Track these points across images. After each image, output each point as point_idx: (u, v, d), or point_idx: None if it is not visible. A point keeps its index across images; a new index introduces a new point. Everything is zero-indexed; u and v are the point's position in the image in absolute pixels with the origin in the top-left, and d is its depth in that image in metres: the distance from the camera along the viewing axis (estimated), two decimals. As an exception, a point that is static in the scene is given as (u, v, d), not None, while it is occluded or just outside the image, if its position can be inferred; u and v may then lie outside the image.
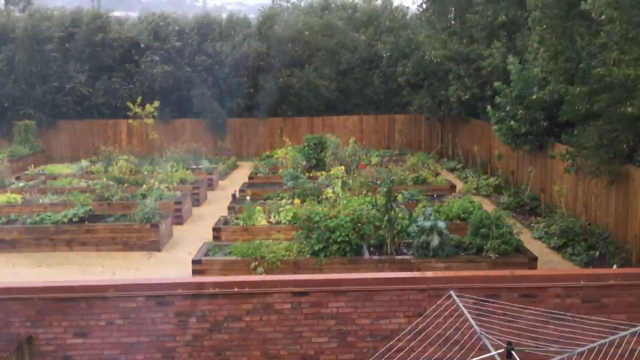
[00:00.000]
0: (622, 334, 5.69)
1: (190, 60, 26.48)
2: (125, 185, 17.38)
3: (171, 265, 12.25)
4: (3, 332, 7.54)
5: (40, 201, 15.56)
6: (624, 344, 5.84)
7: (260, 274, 10.53)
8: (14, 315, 7.54)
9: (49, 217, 13.62)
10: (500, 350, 5.67)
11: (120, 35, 26.41)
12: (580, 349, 5.70)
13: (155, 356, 7.62)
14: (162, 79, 25.94)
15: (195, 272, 11.01)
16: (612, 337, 5.68)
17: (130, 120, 23.99)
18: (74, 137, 26.93)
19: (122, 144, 26.34)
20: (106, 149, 22.45)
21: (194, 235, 14.45)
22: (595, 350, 5.83)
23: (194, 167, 21.22)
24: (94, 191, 16.44)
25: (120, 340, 7.62)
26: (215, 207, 17.43)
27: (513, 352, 5.50)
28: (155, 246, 13.25)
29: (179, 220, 15.43)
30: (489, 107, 17.44)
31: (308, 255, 11.07)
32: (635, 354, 5.72)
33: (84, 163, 21.75)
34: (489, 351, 5.74)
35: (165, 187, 16.91)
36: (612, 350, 6.28)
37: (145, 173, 19.39)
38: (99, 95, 26.22)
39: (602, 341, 5.71)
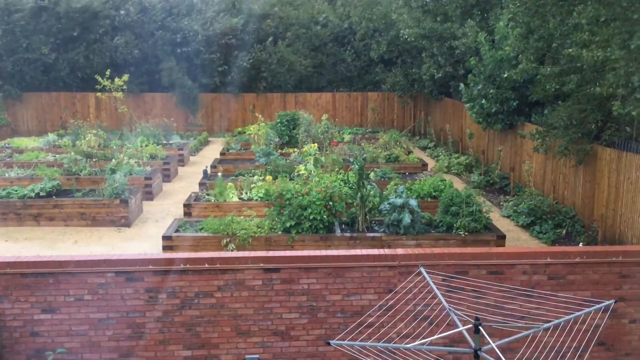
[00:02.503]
0: (587, 310, 5.82)
1: (158, 34, 25.95)
2: (94, 159, 17.11)
3: (141, 241, 12.14)
4: (-32, 307, 7.42)
5: (7, 175, 15.24)
6: (588, 319, 5.98)
7: (232, 250, 10.50)
8: (-21, 290, 7.42)
9: (16, 191, 13.35)
10: (468, 326, 5.76)
11: (84, 5, 25.63)
12: (546, 325, 5.82)
13: (125, 332, 7.58)
14: (126, 51, 25.39)
15: (165, 248, 10.93)
16: (577, 313, 5.80)
17: (99, 94, 23.54)
18: (40, 110, 26.35)
19: (90, 117, 25.88)
20: (74, 122, 22.03)
21: (164, 211, 14.33)
22: (561, 325, 5.96)
23: (164, 142, 20.96)
24: (62, 165, 16.16)
25: (89, 316, 7.55)
26: (186, 183, 17.29)
27: (480, 328, 5.59)
28: (124, 222, 13.10)
29: (149, 196, 15.27)
30: (462, 85, 17.53)
31: (280, 232, 11.07)
32: (600, 329, 5.85)
33: (52, 137, 21.33)
34: (458, 326, 5.83)
35: (135, 162, 16.70)
36: (576, 327, 6.43)
37: (115, 148, 19.11)
38: (64, 67, 25.58)
39: (568, 317, 5.83)
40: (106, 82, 22.07)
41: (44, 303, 7.52)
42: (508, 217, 13.80)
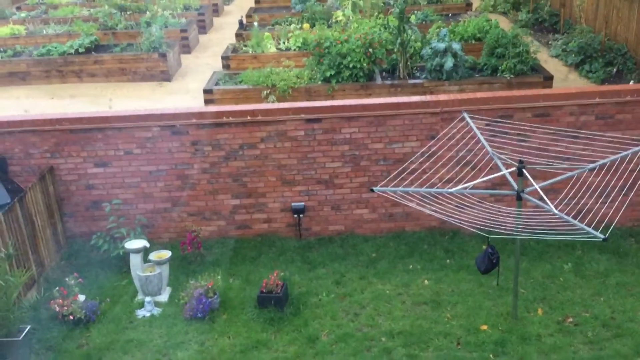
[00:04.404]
0: (635, 149, 5.71)
1: None
2: (128, 12, 16.80)
3: (183, 94, 12.22)
4: (24, 163, 7.74)
5: (45, 32, 15.18)
6: (635, 158, 5.88)
7: (272, 102, 10.50)
8: (32, 146, 7.69)
9: (55, 48, 13.35)
10: (511, 169, 5.76)
11: None
12: (591, 165, 5.77)
13: (175, 183, 7.86)
14: None
15: (207, 102, 11.00)
16: (624, 153, 5.71)
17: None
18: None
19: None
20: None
21: (202, 64, 14.23)
22: (607, 165, 5.90)
23: (197, -9, 20.29)
24: (97, 20, 15.96)
25: (140, 169, 7.83)
26: (222, 34, 16.97)
27: (524, 170, 5.58)
28: (164, 76, 13.12)
29: (186, 49, 15.11)
30: None
31: (320, 82, 10.94)
32: (647, 169, 5.79)
33: (84, -10, 20.85)
34: (501, 170, 5.83)
35: (170, 14, 16.35)
36: (622, 166, 6.36)
37: (148, -1, 18.64)
38: None
39: (614, 157, 5.75)
40: None
41: (95, 157, 7.79)
42: (557, 56, 13.26)
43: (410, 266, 7.38)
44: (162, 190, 7.95)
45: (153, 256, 7.14)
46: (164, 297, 7.05)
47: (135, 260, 7.04)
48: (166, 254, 7.18)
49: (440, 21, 14.24)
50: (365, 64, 10.76)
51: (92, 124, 7.68)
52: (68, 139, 7.71)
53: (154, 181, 7.91)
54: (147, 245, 7.16)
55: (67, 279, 6.88)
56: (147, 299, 6.86)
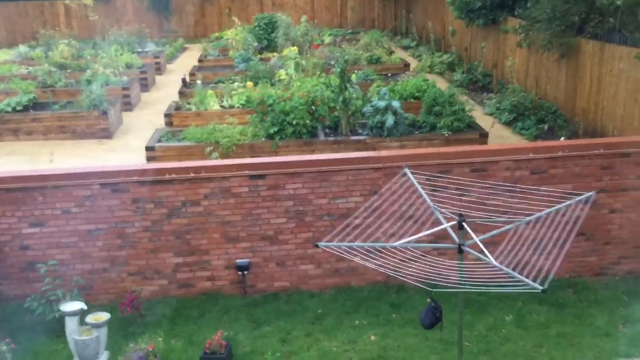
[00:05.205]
0: (568, 202, 5.94)
1: None
2: (69, 71, 16.65)
3: (124, 152, 12.06)
4: (-45, 225, 7.41)
5: (-21, 90, 14.83)
6: (569, 211, 6.11)
7: (216, 158, 10.48)
8: (-36, 208, 7.39)
9: (-9, 106, 13.05)
10: (452, 223, 5.88)
11: None
12: (528, 218, 5.96)
13: (115, 242, 7.66)
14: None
15: (149, 159, 10.88)
16: (559, 206, 5.93)
17: (67, 1, 22.54)
18: (8, 21, 25.31)
19: (61, 27, 24.93)
20: (45, 32, 21.23)
21: (144, 121, 14.15)
22: (542, 218, 6.10)
23: (139, 50, 20.38)
24: (36, 78, 15.72)
25: (77, 228, 7.60)
26: (165, 92, 16.98)
27: (464, 224, 5.71)
28: (105, 134, 12.95)
29: (127, 106, 15.02)
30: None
31: (263, 139, 11.02)
32: (580, 220, 6.00)
33: (23, 48, 20.62)
34: (442, 224, 5.95)
35: (111, 72, 16.27)
36: (557, 219, 6.59)
37: (89, 58, 18.56)
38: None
39: (549, 210, 5.96)
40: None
41: (31, 217, 7.53)
42: (491, 114, 13.82)
43: (357, 322, 7.34)
44: (101, 250, 7.72)
45: (90, 318, 6.86)
46: (101, 362, 6.75)
47: (71, 324, 6.74)
48: (104, 316, 6.90)
49: (380, 80, 14.69)
50: (308, 121, 10.93)
51: (29, 182, 7.45)
52: (3, 199, 7.44)
53: (93, 240, 7.68)
54: (85, 307, 6.88)
55: (-3, 346, 6.51)
56: (84, 364, 6.54)
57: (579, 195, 6.03)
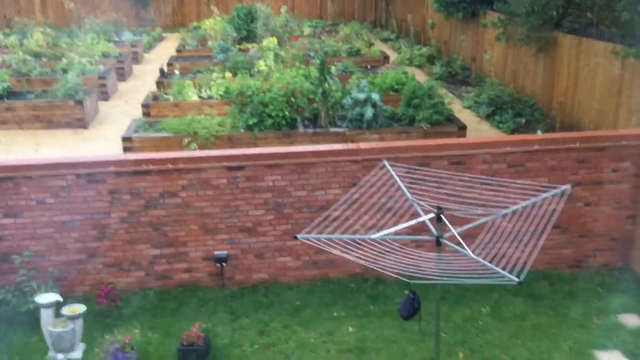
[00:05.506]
0: (544, 195, 6.00)
1: None
2: (44, 59, 16.38)
3: (100, 142, 11.91)
4: None
5: (-49, 78, 14.52)
6: (545, 204, 6.17)
7: (194, 150, 10.40)
8: None
9: (-37, 95, 12.80)
10: (430, 215, 5.91)
11: None
12: (504, 211, 6.01)
13: (91, 233, 7.57)
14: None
15: (126, 150, 10.76)
16: (535, 199, 5.99)
17: (43, -11, 22.17)
18: (-19, 7, 24.80)
19: (36, 14, 24.51)
20: (20, 20, 20.85)
21: (121, 111, 13.98)
22: (519, 211, 6.16)
23: (116, 39, 20.12)
24: (10, 66, 15.44)
25: (52, 219, 7.49)
26: (142, 82, 16.80)
27: (442, 216, 5.74)
28: (81, 123, 12.77)
29: (104, 96, 14.83)
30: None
31: (242, 130, 10.96)
32: (556, 213, 6.07)
33: (-4, 36, 20.23)
34: (420, 216, 5.97)
35: (87, 61, 16.05)
36: (533, 212, 6.65)
37: (64, 46, 18.28)
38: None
39: (525, 203, 6.02)
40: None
41: (5, 207, 7.41)
42: (469, 108, 13.91)
43: (335, 313, 7.35)
44: (77, 241, 7.62)
45: (66, 310, 6.78)
46: (77, 354, 6.68)
47: (46, 315, 6.65)
48: (80, 308, 6.83)
49: (359, 72, 14.69)
50: (287, 113, 10.90)
51: (3, 173, 7.32)
52: (-25, 189, 7.31)
53: (68, 232, 7.57)
54: (60, 299, 6.80)
55: (-31, 339, 6.42)
56: (60, 356, 6.47)
57: (555, 188, 6.10)
